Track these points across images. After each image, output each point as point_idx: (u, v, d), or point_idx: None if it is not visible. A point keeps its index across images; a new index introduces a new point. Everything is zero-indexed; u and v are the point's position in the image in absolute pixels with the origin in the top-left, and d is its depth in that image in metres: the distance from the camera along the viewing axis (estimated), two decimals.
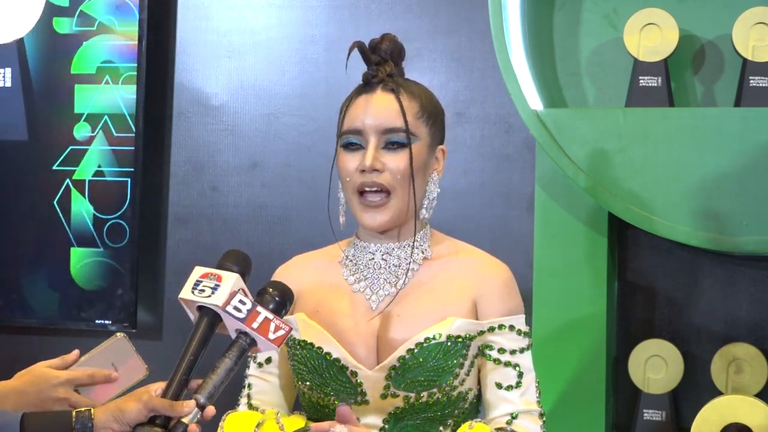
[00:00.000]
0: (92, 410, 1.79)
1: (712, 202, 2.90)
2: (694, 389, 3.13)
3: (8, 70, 3.63)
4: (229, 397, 2.04)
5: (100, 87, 3.57)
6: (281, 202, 3.53)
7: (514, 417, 2.08)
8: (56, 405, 2.04)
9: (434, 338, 2.06)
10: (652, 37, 3.04)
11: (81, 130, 3.58)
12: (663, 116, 2.95)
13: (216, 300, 1.82)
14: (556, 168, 3.02)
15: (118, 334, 2.16)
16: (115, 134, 3.56)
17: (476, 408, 2.15)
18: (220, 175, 3.59)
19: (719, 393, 3.05)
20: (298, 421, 2.09)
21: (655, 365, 3.08)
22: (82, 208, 3.59)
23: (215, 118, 3.60)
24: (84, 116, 3.58)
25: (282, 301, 1.88)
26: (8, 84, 3.63)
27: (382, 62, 2.14)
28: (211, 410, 1.78)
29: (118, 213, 3.57)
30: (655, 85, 3.03)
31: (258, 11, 3.58)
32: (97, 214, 3.58)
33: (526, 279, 3.01)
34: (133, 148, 3.53)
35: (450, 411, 2.09)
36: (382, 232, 2.13)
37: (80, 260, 3.60)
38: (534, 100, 3.06)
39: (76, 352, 2.14)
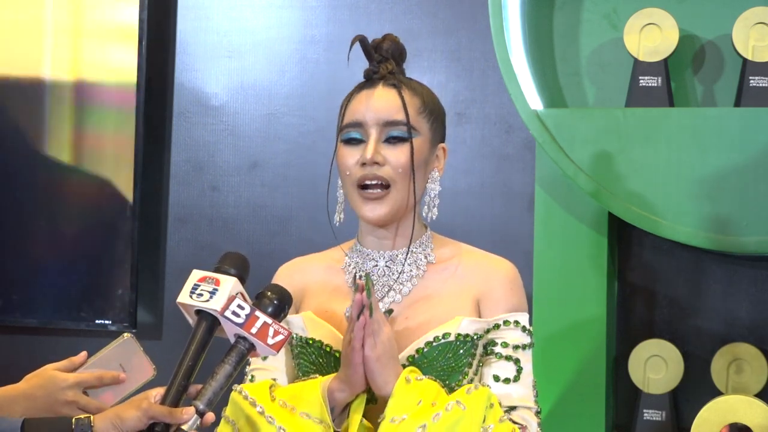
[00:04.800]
0: (92, 417, 1.78)
1: (713, 202, 2.90)
2: (694, 389, 3.13)
3: None
4: (227, 402, 2.04)
5: None
6: (281, 202, 3.53)
7: (512, 409, 2.07)
8: (65, 408, 2.02)
9: (443, 337, 2.06)
10: (652, 37, 3.04)
11: None
12: (663, 116, 2.95)
13: (214, 305, 1.81)
14: (556, 168, 3.02)
15: (125, 334, 2.13)
16: None
17: None
18: (220, 175, 3.58)
19: (719, 393, 3.05)
20: (314, 384, 2.05)
21: (655, 365, 3.08)
22: None
23: (215, 118, 3.59)
24: None
25: (280, 304, 1.87)
26: None
27: (384, 61, 2.14)
28: (210, 417, 1.78)
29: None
30: (655, 85, 3.03)
31: (258, 11, 3.57)
32: None
33: (526, 279, 3.00)
34: None
35: None
36: (382, 225, 2.12)
37: None
38: (534, 100, 3.05)
39: (84, 353, 2.11)
